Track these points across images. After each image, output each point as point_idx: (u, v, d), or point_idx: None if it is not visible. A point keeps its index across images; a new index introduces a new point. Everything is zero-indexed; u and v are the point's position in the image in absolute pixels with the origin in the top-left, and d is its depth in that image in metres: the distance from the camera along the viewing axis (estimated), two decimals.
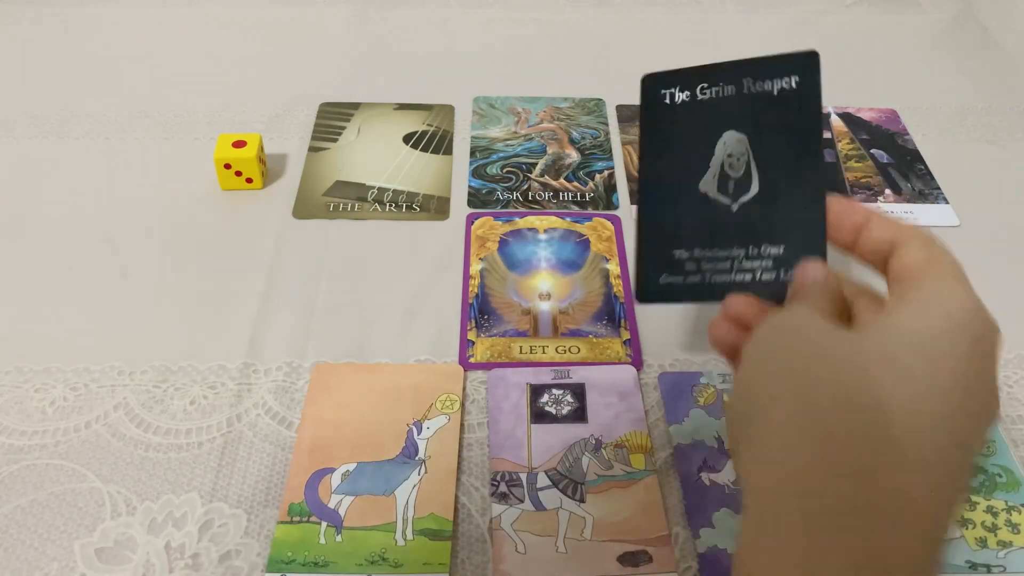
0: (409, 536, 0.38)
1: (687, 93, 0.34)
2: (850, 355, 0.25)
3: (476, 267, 0.52)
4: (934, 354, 0.24)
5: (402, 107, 0.65)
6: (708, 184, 0.33)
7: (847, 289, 0.30)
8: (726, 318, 0.31)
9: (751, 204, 0.32)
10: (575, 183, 0.59)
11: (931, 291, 0.26)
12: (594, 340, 0.48)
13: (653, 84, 0.35)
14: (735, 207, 0.32)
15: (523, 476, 0.41)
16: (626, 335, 0.48)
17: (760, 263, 0.32)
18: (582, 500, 0.40)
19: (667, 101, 0.34)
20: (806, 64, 0.32)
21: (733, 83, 0.33)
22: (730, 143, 0.33)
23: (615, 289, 0.51)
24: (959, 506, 0.24)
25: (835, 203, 0.30)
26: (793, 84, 0.32)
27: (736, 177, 0.33)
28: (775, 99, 0.32)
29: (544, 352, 0.47)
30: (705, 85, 0.34)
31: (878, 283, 0.29)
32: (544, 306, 0.50)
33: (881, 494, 0.22)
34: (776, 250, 0.32)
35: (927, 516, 0.23)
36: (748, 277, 0.32)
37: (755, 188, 0.32)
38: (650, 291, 0.34)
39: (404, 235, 0.54)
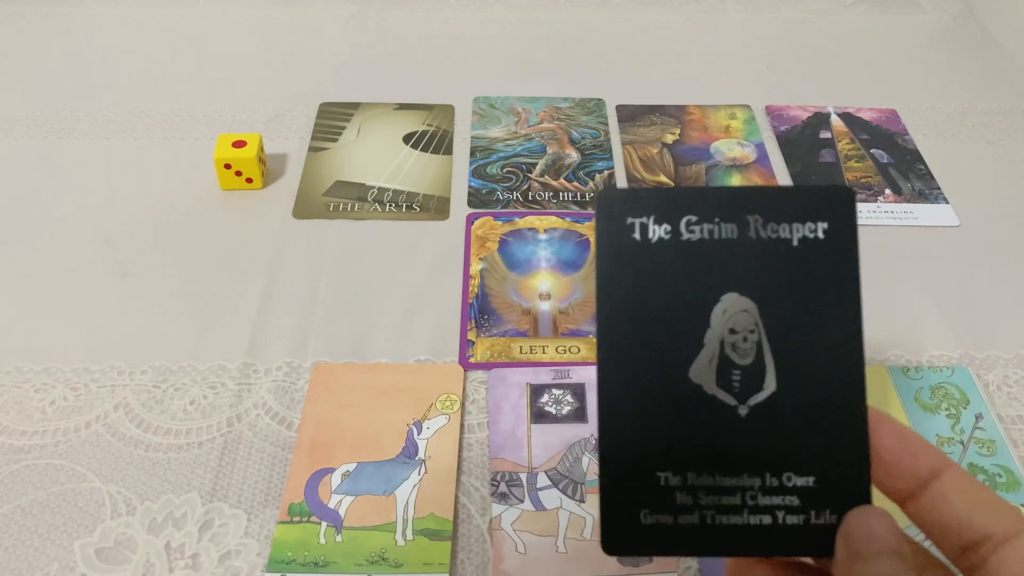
0: (409, 536, 0.38)
1: (666, 227, 0.23)
2: None
3: (476, 267, 0.52)
4: None
5: (402, 107, 0.65)
6: (703, 373, 0.23)
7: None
8: None
9: (766, 407, 0.23)
10: (575, 183, 0.59)
11: None
12: (594, 340, 0.48)
13: (614, 207, 0.24)
14: (743, 410, 0.23)
15: (523, 476, 0.41)
16: None
17: (783, 499, 0.23)
18: (582, 500, 0.40)
19: (636, 236, 0.24)
20: (838, 205, 0.23)
21: (734, 220, 0.23)
22: (732, 312, 0.23)
23: None
24: None
25: (885, 431, 0.22)
26: (820, 233, 0.23)
27: (743, 365, 0.23)
28: (794, 251, 0.23)
29: (544, 352, 0.47)
30: (693, 219, 0.23)
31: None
32: (544, 306, 0.50)
33: None
34: (804, 482, 0.23)
35: None
36: (767, 519, 0.23)
37: (771, 384, 0.23)
38: (624, 538, 0.23)
39: (404, 235, 0.54)
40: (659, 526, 0.23)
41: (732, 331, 0.23)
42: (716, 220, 0.23)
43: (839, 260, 0.23)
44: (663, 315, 0.23)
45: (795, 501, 0.23)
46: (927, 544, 0.22)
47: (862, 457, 0.22)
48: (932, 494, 0.21)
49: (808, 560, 0.24)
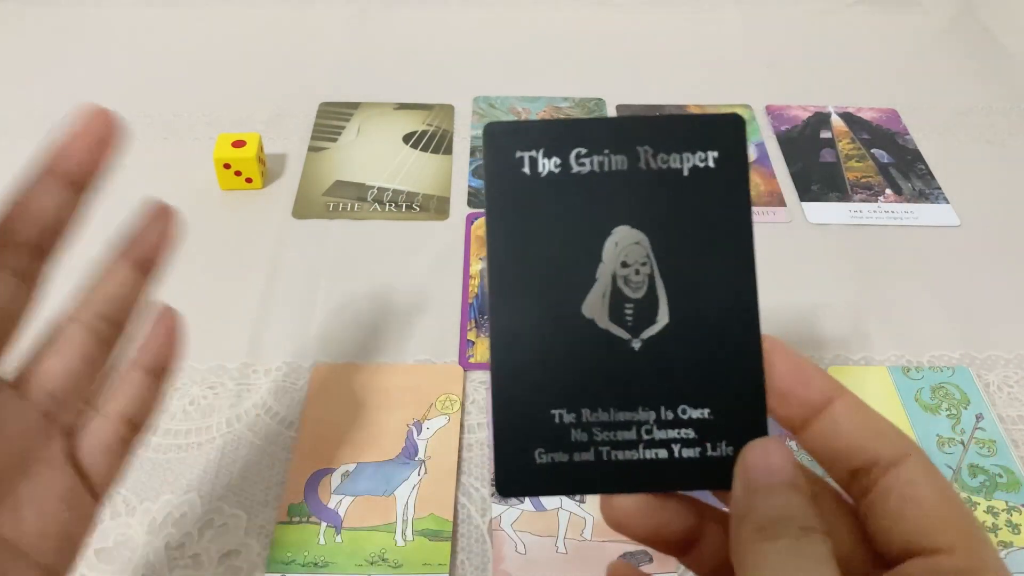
0: (409, 536, 0.38)
1: (556, 160, 0.23)
2: None
3: (476, 267, 0.52)
4: None
5: (402, 107, 0.65)
6: (595, 307, 0.23)
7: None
8: None
9: (659, 341, 0.23)
10: None
11: None
12: None
13: (502, 141, 0.23)
14: (637, 344, 0.23)
15: None
16: None
17: (678, 432, 0.22)
18: (582, 500, 0.40)
19: (525, 170, 0.23)
20: (728, 133, 0.23)
21: (624, 152, 0.23)
22: (624, 245, 0.23)
23: None
24: None
25: (778, 359, 0.22)
26: (711, 162, 0.23)
27: (636, 298, 0.23)
28: (684, 181, 0.23)
29: None
30: (583, 151, 0.23)
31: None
32: None
33: None
34: (700, 414, 0.22)
35: None
36: (663, 453, 0.22)
37: (664, 316, 0.23)
38: (518, 478, 0.23)
39: (404, 235, 0.54)
40: (554, 465, 0.22)
41: (624, 264, 0.23)
42: (606, 152, 0.23)
43: (730, 189, 0.23)
44: (554, 250, 0.23)
45: (691, 434, 0.22)
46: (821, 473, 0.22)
47: (757, 388, 0.22)
48: (823, 421, 0.21)
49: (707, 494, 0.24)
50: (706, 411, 0.22)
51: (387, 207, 0.56)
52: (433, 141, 0.62)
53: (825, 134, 0.64)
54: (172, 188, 0.56)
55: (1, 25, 0.73)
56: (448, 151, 0.61)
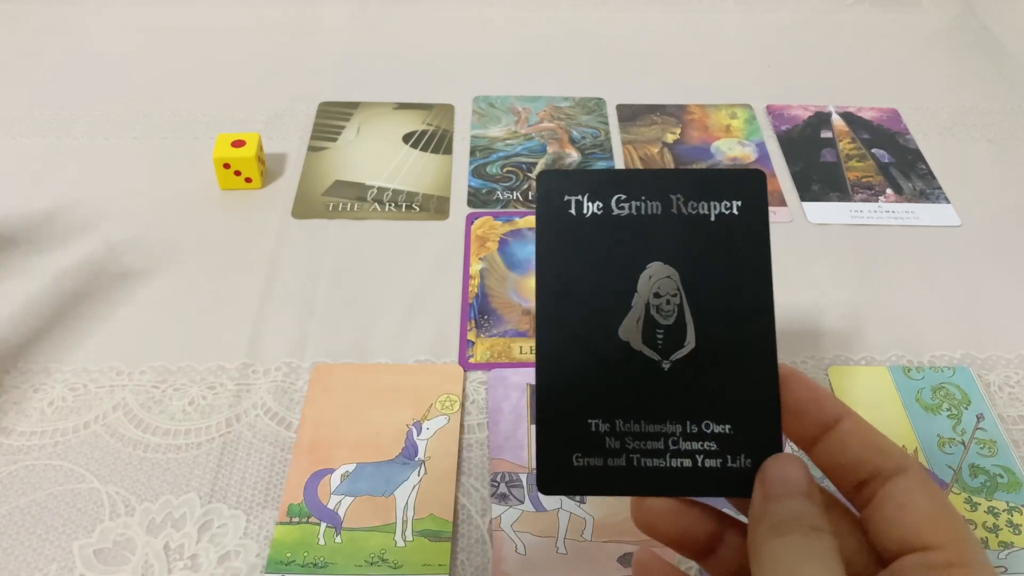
0: (409, 537, 0.38)
1: (599, 204, 0.26)
2: None
3: (476, 267, 0.52)
4: None
5: (402, 106, 0.65)
6: (630, 331, 0.25)
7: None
8: None
9: (686, 363, 0.25)
10: None
11: None
12: None
13: (553, 185, 0.27)
14: (666, 365, 0.25)
15: (523, 477, 0.41)
16: None
17: (702, 444, 0.25)
18: (582, 501, 0.40)
19: (572, 211, 0.26)
20: (750, 185, 0.26)
21: (658, 199, 0.26)
22: (657, 279, 0.26)
23: None
24: None
25: (794, 383, 0.24)
26: (735, 210, 0.26)
27: (666, 325, 0.25)
28: (711, 225, 0.26)
29: None
30: (623, 197, 0.26)
31: None
32: None
33: None
34: (721, 429, 0.25)
35: None
36: (688, 463, 0.25)
37: (691, 342, 0.25)
38: (557, 478, 0.25)
39: (404, 235, 0.54)
40: (590, 468, 0.25)
41: (656, 295, 0.26)
42: (643, 198, 0.26)
43: (752, 232, 0.26)
44: (595, 280, 0.26)
45: (713, 446, 0.25)
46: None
47: (774, 408, 0.25)
48: (832, 439, 0.24)
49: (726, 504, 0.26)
50: (727, 427, 0.25)
51: (387, 207, 0.56)
52: (433, 141, 0.62)
53: (826, 134, 0.64)
54: (172, 188, 0.57)
55: (1, 25, 0.73)
56: (448, 151, 0.61)
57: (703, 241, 0.26)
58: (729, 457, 0.25)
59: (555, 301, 0.26)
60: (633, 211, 0.26)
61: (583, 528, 0.39)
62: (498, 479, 0.40)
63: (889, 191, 0.58)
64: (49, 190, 0.56)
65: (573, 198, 0.26)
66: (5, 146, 0.60)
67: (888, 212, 0.57)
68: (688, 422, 0.25)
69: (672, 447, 0.25)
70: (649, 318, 0.26)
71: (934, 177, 0.60)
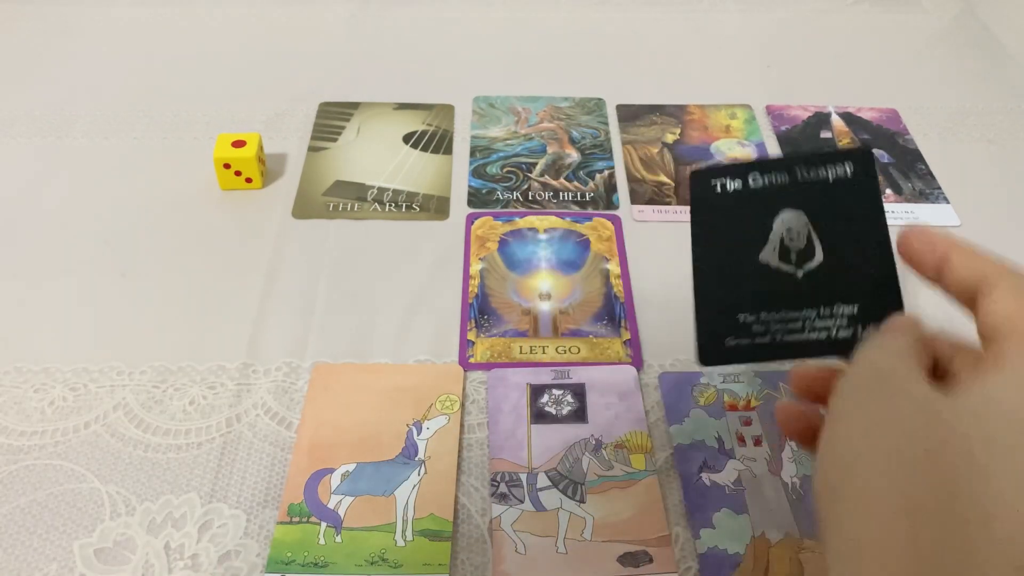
0: (409, 537, 0.38)
1: (739, 182, 0.33)
2: (952, 423, 0.22)
3: (476, 267, 0.52)
4: None
5: (402, 107, 0.65)
6: (769, 255, 0.32)
7: (941, 346, 0.28)
8: (796, 390, 0.29)
9: (817, 271, 0.31)
10: (575, 183, 0.58)
11: None
12: (594, 340, 0.48)
13: (703, 176, 0.34)
14: (800, 274, 0.32)
15: (523, 476, 0.41)
16: (626, 335, 0.48)
17: (835, 322, 0.31)
18: (582, 500, 0.40)
19: (718, 190, 0.34)
20: (859, 155, 0.33)
21: (786, 171, 0.33)
22: (788, 219, 0.33)
23: (615, 289, 0.51)
24: None
25: (912, 236, 0.29)
26: (848, 172, 0.32)
27: (798, 248, 0.32)
28: (830, 185, 0.32)
29: (544, 352, 0.47)
30: (757, 174, 0.34)
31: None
32: (544, 306, 0.50)
33: None
34: (850, 309, 0.31)
35: None
36: (823, 335, 0.31)
37: (819, 256, 0.32)
38: (714, 353, 0.32)
39: (404, 235, 0.54)
40: (740, 346, 0.32)
41: (788, 230, 0.32)
42: (772, 173, 0.33)
43: (865, 186, 0.32)
44: (740, 228, 0.33)
45: (845, 322, 0.31)
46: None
47: (894, 286, 0.31)
48: (946, 271, 0.28)
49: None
50: (855, 307, 0.31)
51: (387, 207, 0.56)
52: (433, 141, 0.62)
53: (825, 134, 0.64)
54: (172, 188, 0.57)
55: (1, 25, 0.73)
56: (448, 151, 0.61)
57: (825, 192, 0.32)
58: (860, 327, 0.30)
59: (710, 247, 0.33)
60: (765, 182, 0.33)
61: (583, 528, 0.39)
62: (498, 479, 0.41)
63: (889, 191, 0.58)
64: (49, 190, 0.56)
65: (718, 181, 0.33)
66: (5, 146, 0.60)
67: (888, 212, 0.56)
68: (822, 306, 0.31)
69: (809, 326, 0.31)
70: (784, 247, 0.32)
71: (933, 177, 0.60)
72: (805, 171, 0.33)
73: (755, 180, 0.34)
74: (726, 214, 0.33)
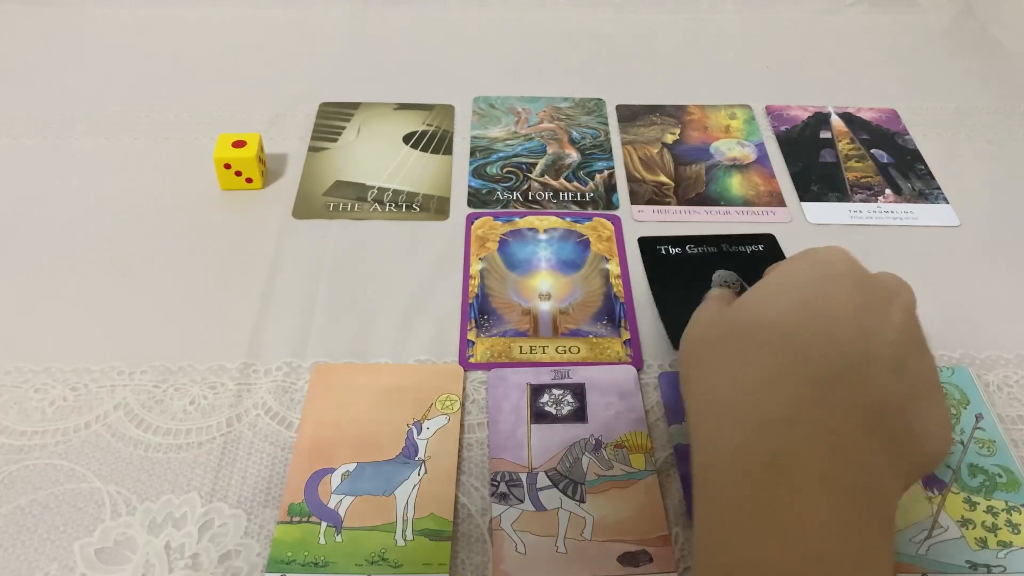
0: (409, 536, 0.38)
1: (678, 249, 0.51)
2: (728, 315, 0.35)
3: (476, 267, 0.52)
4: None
5: (402, 107, 0.65)
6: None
7: None
8: None
9: None
10: (575, 183, 0.59)
11: None
12: (594, 340, 0.48)
13: (650, 243, 0.52)
14: None
15: (523, 476, 0.41)
16: (626, 335, 0.48)
17: None
18: (582, 500, 0.40)
19: (663, 253, 0.51)
20: (768, 241, 0.52)
21: (714, 245, 0.51)
22: (723, 274, 0.48)
23: (615, 289, 0.51)
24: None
25: None
26: (760, 249, 0.51)
27: (736, 289, 0.45)
28: (748, 256, 0.50)
29: (544, 352, 0.47)
30: (692, 245, 0.51)
31: None
32: (544, 306, 0.50)
33: None
34: None
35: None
36: None
37: None
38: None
39: (404, 235, 0.54)
40: None
41: (724, 282, 0.49)
42: (704, 246, 0.52)
43: (775, 257, 0.50)
44: (685, 275, 0.50)
45: None
46: None
47: None
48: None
49: None
50: None
51: (387, 207, 0.56)
52: (433, 141, 0.62)
53: (825, 134, 0.64)
54: (172, 188, 0.57)
55: (1, 25, 0.73)
56: (448, 151, 0.61)
57: (744, 261, 0.50)
58: None
59: (663, 291, 0.49)
60: (699, 251, 0.51)
61: (583, 527, 0.39)
62: (498, 479, 0.41)
63: (888, 191, 0.59)
64: (50, 190, 0.56)
65: (662, 247, 0.52)
66: (6, 146, 0.60)
67: (887, 212, 0.57)
68: None
69: None
70: (724, 285, 0.47)
71: (933, 177, 0.60)
72: (728, 246, 0.50)
73: (691, 249, 0.51)
74: (672, 268, 0.50)
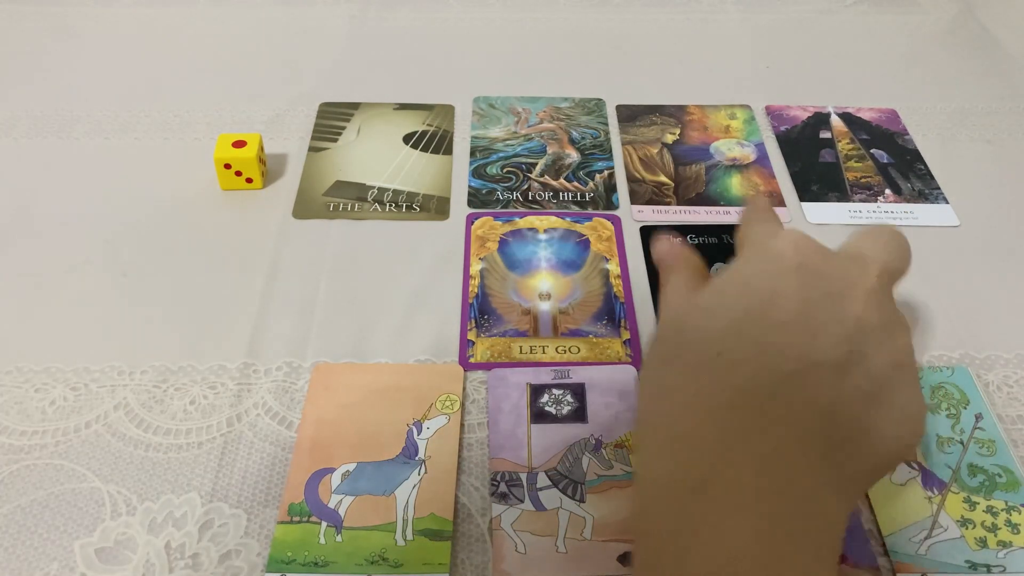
0: (409, 536, 0.38)
1: (680, 239, 0.52)
2: (694, 302, 0.33)
3: (476, 267, 0.52)
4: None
5: (402, 107, 0.65)
6: None
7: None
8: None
9: None
10: (575, 183, 0.59)
11: None
12: (594, 340, 0.48)
13: (650, 233, 0.53)
14: None
15: (523, 476, 0.41)
16: (626, 335, 0.48)
17: None
18: (582, 500, 0.40)
19: None
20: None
21: (715, 237, 0.52)
22: (723, 267, 0.43)
23: (615, 289, 0.51)
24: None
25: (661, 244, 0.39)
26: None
27: None
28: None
29: (544, 352, 0.47)
30: (693, 235, 0.52)
31: None
32: (544, 306, 0.50)
33: None
34: None
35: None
36: None
37: None
38: None
39: (404, 235, 0.54)
40: None
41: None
42: (705, 236, 0.51)
43: None
44: None
45: None
46: None
47: None
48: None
49: None
50: None
51: (387, 207, 0.56)
52: (433, 141, 0.62)
53: (825, 134, 0.64)
54: (172, 188, 0.57)
55: (1, 25, 0.73)
56: (448, 151, 0.61)
57: None
58: None
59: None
60: (700, 242, 0.52)
61: (583, 527, 0.39)
62: (498, 478, 0.41)
63: (888, 191, 0.59)
64: (49, 190, 0.56)
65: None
66: (6, 146, 0.60)
67: (887, 212, 0.57)
68: None
69: None
70: None
71: (933, 177, 0.60)
72: (729, 237, 0.49)
73: (692, 239, 0.52)
74: None
